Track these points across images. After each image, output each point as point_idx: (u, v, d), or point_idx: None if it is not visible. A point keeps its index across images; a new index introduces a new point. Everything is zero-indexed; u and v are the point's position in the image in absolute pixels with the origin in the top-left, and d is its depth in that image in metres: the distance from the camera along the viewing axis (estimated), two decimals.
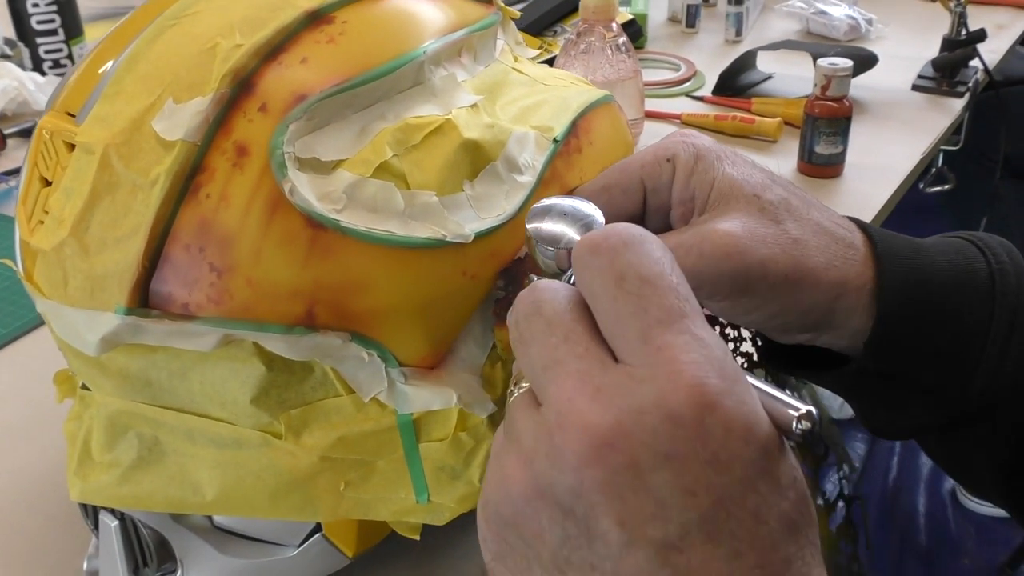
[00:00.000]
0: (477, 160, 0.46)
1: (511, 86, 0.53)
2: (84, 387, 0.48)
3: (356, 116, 0.45)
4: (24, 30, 1.21)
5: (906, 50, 1.27)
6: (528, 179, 0.48)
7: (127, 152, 0.42)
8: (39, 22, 1.20)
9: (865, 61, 1.11)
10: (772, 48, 1.14)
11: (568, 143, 0.51)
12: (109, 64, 0.45)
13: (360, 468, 0.47)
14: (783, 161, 0.99)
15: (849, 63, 0.92)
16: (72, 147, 0.44)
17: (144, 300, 0.43)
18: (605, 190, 0.47)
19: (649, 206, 0.48)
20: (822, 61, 0.92)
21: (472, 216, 0.45)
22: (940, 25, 1.33)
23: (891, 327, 0.46)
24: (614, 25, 0.97)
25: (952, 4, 1.14)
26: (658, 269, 0.33)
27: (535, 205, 0.41)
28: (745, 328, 0.55)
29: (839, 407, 1.91)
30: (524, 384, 0.36)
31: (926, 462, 1.88)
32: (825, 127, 0.93)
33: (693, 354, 0.31)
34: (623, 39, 0.98)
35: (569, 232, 0.40)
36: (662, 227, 0.47)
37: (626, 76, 0.98)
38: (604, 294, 0.33)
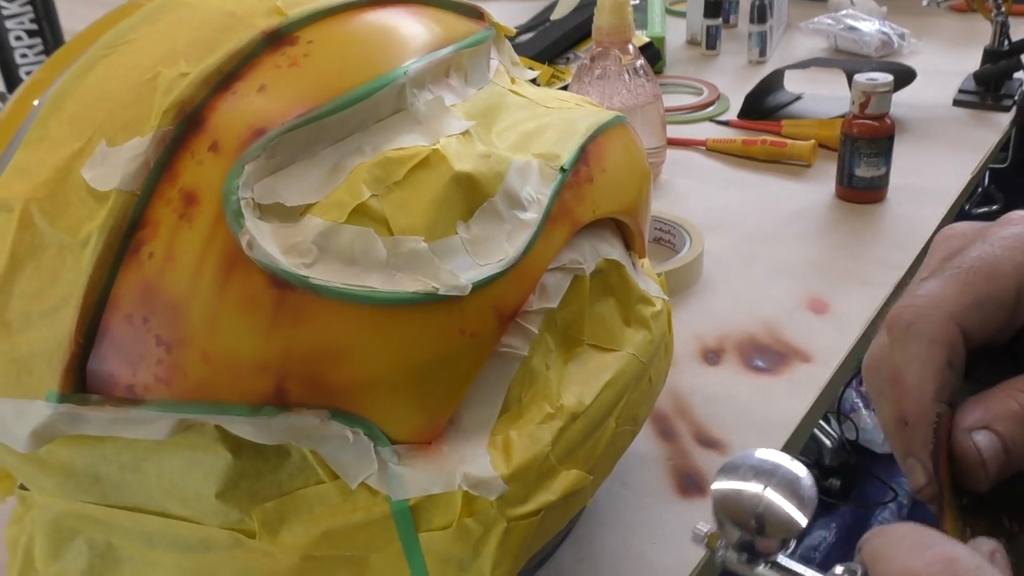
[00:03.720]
0: (472, 196, 0.39)
1: (509, 109, 0.46)
2: (23, 487, 0.41)
3: (327, 151, 0.38)
4: (12, 80, 1.16)
5: (944, 64, 1.19)
6: (533, 216, 0.41)
7: (52, 207, 0.35)
8: (28, 72, 1.15)
9: (903, 76, 1.03)
10: (801, 67, 1.07)
11: (577, 172, 0.44)
12: (35, 103, 0.39)
13: (350, 566, 0.40)
14: (820, 186, 0.92)
15: (889, 77, 0.84)
16: None
17: (81, 383, 0.36)
18: (977, 307, 0.33)
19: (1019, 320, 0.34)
20: (859, 76, 0.85)
21: (468, 263, 0.38)
22: (977, 37, 1.25)
23: None
24: (631, 47, 0.90)
25: (993, 14, 1.06)
26: None
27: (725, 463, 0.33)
28: None
29: (882, 440, 1.82)
30: None
31: None
32: (866, 148, 0.85)
33: None
34: (640, 62, 0.91)
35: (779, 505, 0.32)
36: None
37: (646, 101, 0.91)
38: None
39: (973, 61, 1.18)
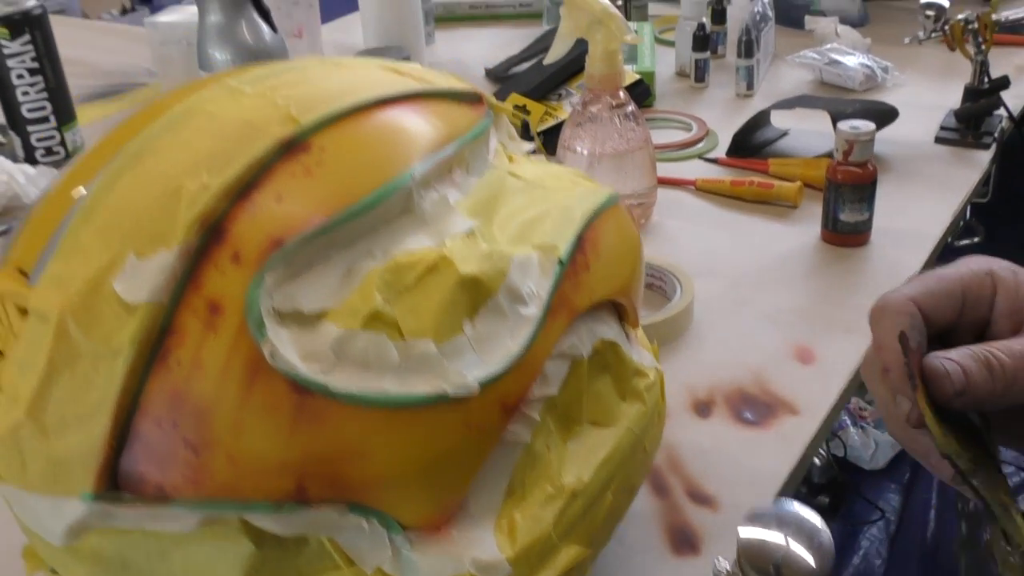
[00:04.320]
0: (477, 296, 0.42)
1: (509, 195, 0.49)
2: (54, 572, 0.43)
3: (340, 255, 0.40)
4: (14, 118, 1.18)
5: (926, 98, 1.22)
6: (534, 311, 0.43)
7: (86, 318, 0.38)
8: (30, 110, 1.17)
9: (885, 116, 1.06)
10: (787, 107, 1.09)
11: (575, 261, 0.47)
12: (68, 211, 0.41)
13: None
14: (805, 228, 0.94)
15: (871, 126, 0.87)
16: (25, 312, 0.39)
17: (113, 482, 0.38)
18: (929, 295, 0.45)
19: (964, 319, 0.46)
20: (842, 125, 0.88)
21: (475, 361, 0.41)
22: (959, 69, 1.28)
23: None
24: (621, 93, 0.93)
25: (973, 52, 1.09)
26: None
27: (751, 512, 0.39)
28: None
29: (869, 457, 1.85)
30: None
31: None
32: (849, 194, 0.88)
33: None
34: (631, 107, 0.93)
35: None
36: (971, 340, 0.45)
37: (637, 146, 0.93)
38: None
39: (954, 95, 1.21)
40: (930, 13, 1.10)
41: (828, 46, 1.29)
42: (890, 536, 1.78)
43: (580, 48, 1.20)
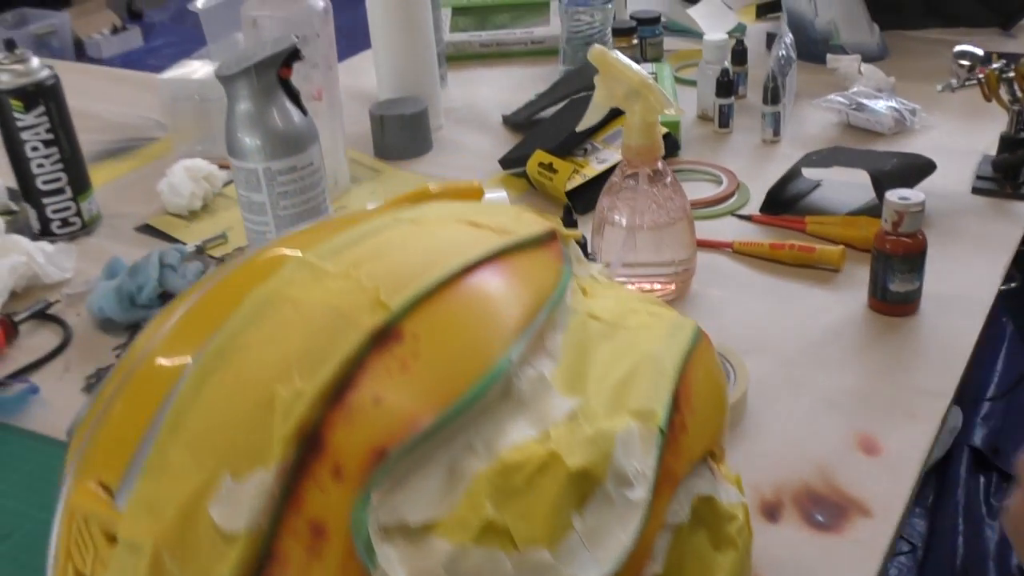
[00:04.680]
0: (585, 487, 0.39)
1: (594, 344, 0.47)
2: None
3: (441, 453, 0.38)
4: (29, 190, 1.15)
5: (957, 142, 1.20)
6: (641, 495, 0.41)
7: (182, 550, 0.35)
8: (45, 181, 1.14)
9: (923, 169, 1.05)
10: (822, 164, 1.07)
11: (673, 425, 0.44)
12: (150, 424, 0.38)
13: None
14: (850, 294, 0.92)
15: (921, 197, 0.85)
16: (114, 539, 0.37)
17: None
18: None
19: None
20: (891, 195, 0.85)
21: (588, 560, 0.38)
22: (987, 110, 1.26)
23: None
24: (660, 164, 0.91)
25: (1009, 100, 1.07)
26: None
27: None
28: None
29: None
30: None
31: (991, 537, 1.79)
32: (900, 264, 0.86)
33: None
34: (669, 178, 0.91)
35: None
36: None
37: (677, 217, 0.91)
38: None
39: (985, 138, 1.19)
40: (964, 63, 1.08)
41: (854, 89, 1.27)
42: (918, 563, 1.76)
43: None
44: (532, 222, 0.50)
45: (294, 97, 0.85)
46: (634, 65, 0.88)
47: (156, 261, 0.97)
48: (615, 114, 1.19)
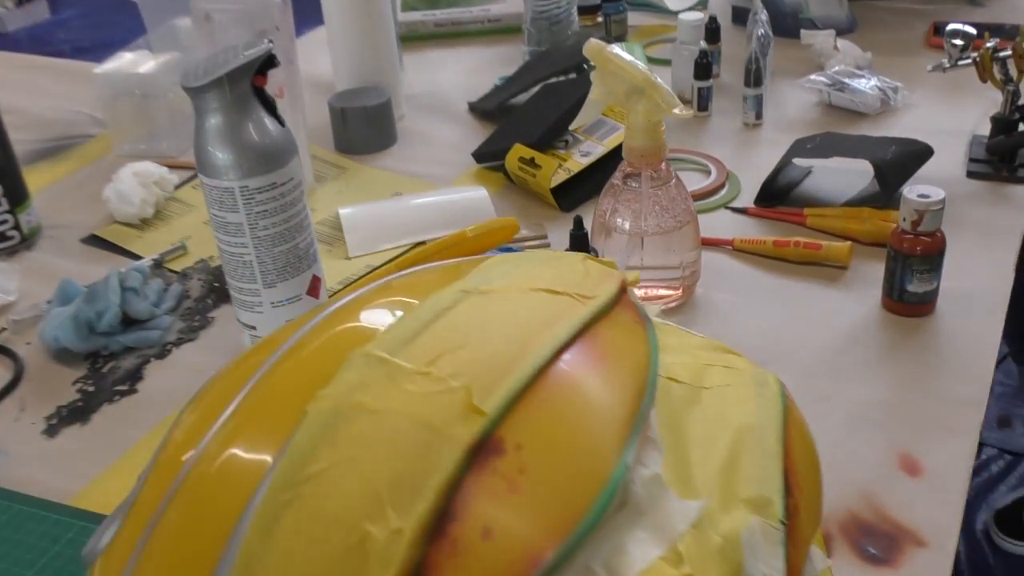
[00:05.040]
0: None
1: (684, 416, 0.41)
2: None
3: None
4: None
5: (941, 121, 1.17)
6: None
7: None
8: None
9: (920, 155, 1.01)
10: (820, 155, 1.02)
11: (788, 510, 0.39)
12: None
13: None
14: (861, 293, 0.88)
15: (942, 194, 0.81)
16: None
17: None
18: None
19: None
20: (909, 193, 0.81)
21: None
22: (967, 86, 1.23)
23: None
24: (664, 166, 0.85)
25: (1001, 79, 1.04)
26: None
27: None
28: None
29: None
30: None
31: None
32: (919, 264, 0.82)
33: None
34: (674, 181, 0.86)
35: None
36: None
37: (684, 221, 0.86)
38: None
39: (970, 116, 1.17)
40: (957, 42, 1.05)
41: (836, 68, 1.23)
42: None
43: (582, 90, 1.12)
44: (602, 275, 0.44)
45: (270, 107, 0.77)
46: (636, 62, 0.82)
47: (116, 285, 0.89)
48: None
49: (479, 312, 0.38)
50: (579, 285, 0.42)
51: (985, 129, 1.10)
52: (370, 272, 0.98)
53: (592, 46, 0.83)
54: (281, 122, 0.78)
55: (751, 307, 0.88)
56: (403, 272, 0.44)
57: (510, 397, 0.34)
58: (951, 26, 1.06)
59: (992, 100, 1.17)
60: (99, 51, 1.91)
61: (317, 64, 1.43)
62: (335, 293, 0.94)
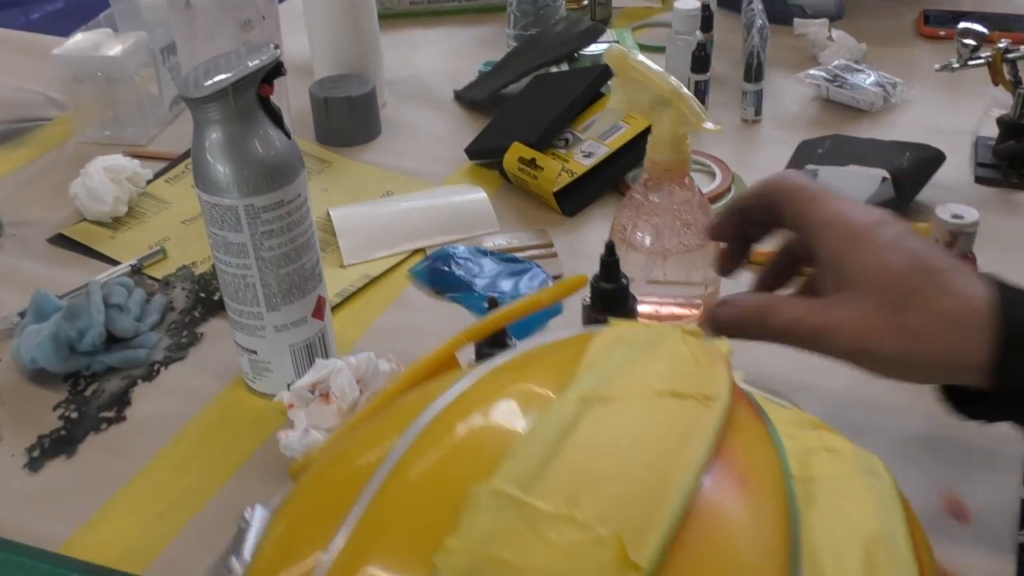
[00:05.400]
0: None
1: (804, 517, 0.38)
2: None
3: None
4: None
5: (941, 120, 1.15)
6: None
7: None
8: None
9: (933, 162, 0.99)
10: (834, 163, 0.99)
11: None
12: None
13: None
14: None
15: (976, 215, 0.78)
16: None
17: None
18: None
19: None
20: (942, 213, 0.79)
21: None
22: (963, 83, 1.21)
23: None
24: (687, 180, 0.81)
25: (1011, 81, 1.02)
26: None
27: None
28: None
29: None
30: None
31: None
32: None
33: None
34: (698, 196, 0.82)
35: None
36: None
37: (708, 239, 0.82)
38: None
39: (970, 116, 1.14)
40: (968, 41, 1.02)
41: (834, 63, 1.20)
42: None
43: (582, 83, 1.07)
44: (709, 360, 0.40)
45: (276, 119, 0.71)
46: (661, 71, 0.78)
47: (100, 302, 0.83)
48: (594, 98, 1.09)
49: (607, 429, 0.34)
50: (695, 379, 0.38)
51: (987, 129, 1.08)
52: (370, 279, 0.93)
53: (614, 53, 0.78)
54: (288, 134, 0.72)
55: None
56: (503, 356, 0.39)
57: (664, 544, 0.30)
58: (962, 25, 1.03)
59: (991, 97, 1.15)
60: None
61: (293, 43, 1.36)
62: (336, 307, 0.89)
